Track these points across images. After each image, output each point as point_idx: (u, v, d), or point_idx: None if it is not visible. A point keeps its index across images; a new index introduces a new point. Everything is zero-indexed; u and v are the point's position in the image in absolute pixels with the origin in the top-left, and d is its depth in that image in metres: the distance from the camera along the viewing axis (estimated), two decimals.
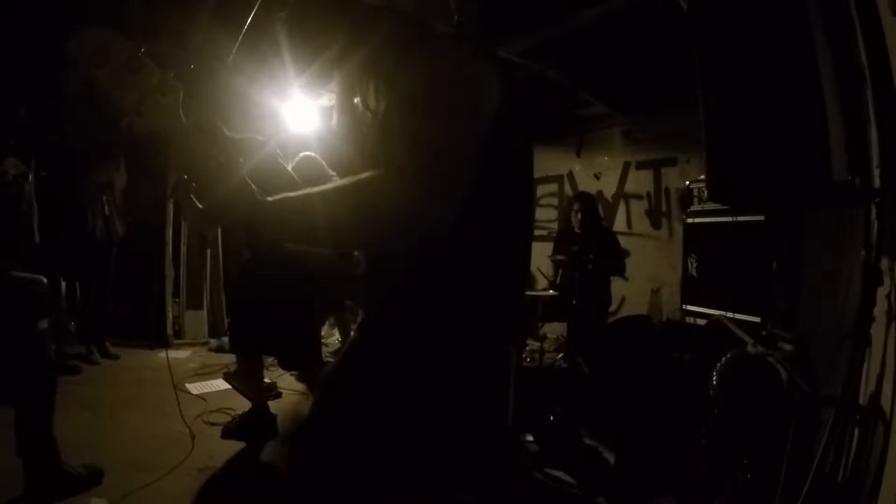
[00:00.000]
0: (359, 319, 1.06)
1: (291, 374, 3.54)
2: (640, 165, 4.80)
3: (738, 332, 1.87)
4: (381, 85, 0.96)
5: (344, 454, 0.94)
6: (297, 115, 4.00)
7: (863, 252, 1.30)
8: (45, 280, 2.03)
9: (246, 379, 2.64)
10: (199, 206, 2.47)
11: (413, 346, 0.92)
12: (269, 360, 3.06)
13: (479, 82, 0.87)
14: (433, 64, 0.86)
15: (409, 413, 0.92)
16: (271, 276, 2.30)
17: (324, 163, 2.55)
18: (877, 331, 1.27)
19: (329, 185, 0.90)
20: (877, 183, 1.26)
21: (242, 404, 2.75)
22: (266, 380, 2.89)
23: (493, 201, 0.91)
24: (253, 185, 0.91)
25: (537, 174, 5.83)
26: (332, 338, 4.58)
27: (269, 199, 0.90)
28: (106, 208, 3.66)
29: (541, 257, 3.89)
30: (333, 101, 1.05)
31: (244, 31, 2.96)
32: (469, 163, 0.83)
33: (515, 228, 1.03)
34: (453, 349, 0.93)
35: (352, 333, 1.05)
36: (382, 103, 0.95)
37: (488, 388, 1.06)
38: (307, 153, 2.61)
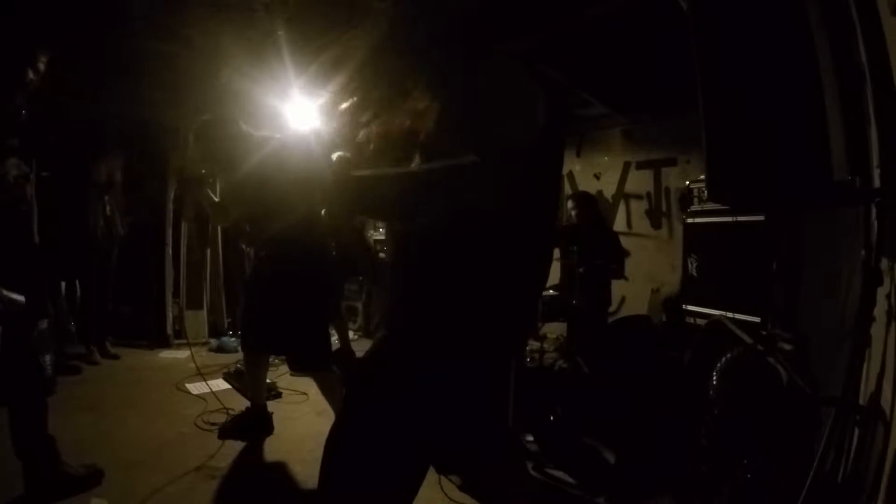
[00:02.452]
0: (387, 311, 1.08)
1: (291, 375, 3.54)
2: (640, 165, 4.79)
3: (738, 332, 1.86)
4: (432, 84, 1.02)
5: (370, 453, 0.95)
6: (301, 113, 4.02)
7: (863, 252, 1.29)
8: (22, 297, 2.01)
9: (249, 377, 2.64)
10: (216, 199, 2.49)
11: (440, 342, 0.94)
12: (271, 359, 3.05)
13: (534, 95, 0.96)
14: (497, 77, 0.95)
15: (426, 410, 0.94)
16: (285, 275, 2.31)
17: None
18: (877, 331, 1.27)
19: (419, 168, 0.98)
20: (877, 183, 1.26)
21: (242, 404, 2.75)
22: (266, 380, 2.89)
23: (531, 206, 0.95)
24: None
25: None
26: (332, 338, 4.58)
27: (358, 173, 0.96)
28: (108, 208, 3.66)
29: None
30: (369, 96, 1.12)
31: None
32: (527, 167, 0.91)
33: (545, 233, 1.06)
34: (475, 347, 0.95)
35: (348, 333, 1.05)
36: (436, 102, 1.00)
37: (495, 387, 1.07)
38: (342, 154, 2.61)
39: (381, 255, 4.69)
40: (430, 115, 0.98)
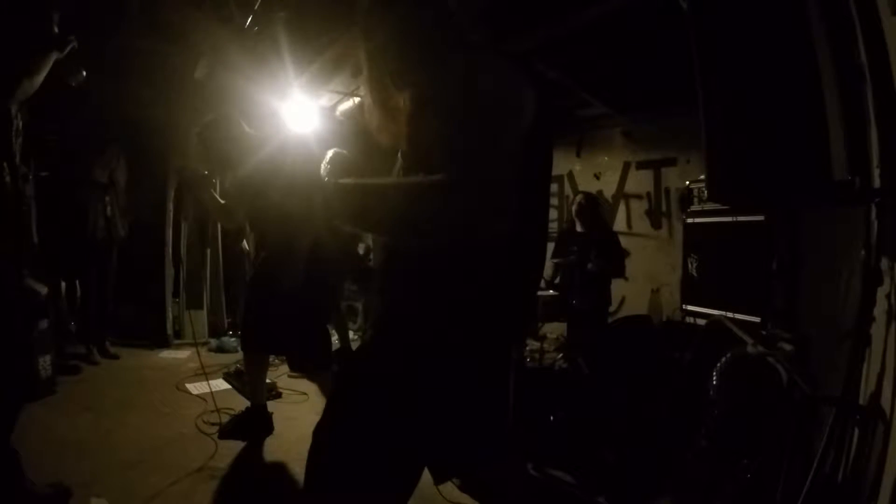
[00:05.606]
0: (375, 315, 1.06)
1: (291, 375, 3.54)
2: (640, 165, 4.80)
3: (738, 332, 1.86)
4: (408, 83, 0.97)
5: (356, 452, 0.94)
6: (298, 114, 4.03)
7: (863, 252, 1.29)
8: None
9: (249, 377, 2.64)
10: (221, 201, 2.49)
11: (431, 344, 0.93)
12: (271, 359, 3.05)
13: (521, 97, 0.89)
14: (479, 79, 0.87)
15: (419, 411, 0.93)
16: (286, 276, 2.31)
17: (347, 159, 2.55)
18: (877, 331, 1.27)
19: (404, 181, 0.93)
20: (877, 183, 1.26)
21: (242, 404, 2.75)
22: (266, 380, 2.89)
23: (520, 206, 0.92)
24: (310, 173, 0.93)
25: None
26: (332, 338, 4.58)
27: (342, 181, 0.93)
28: (108, 209, 3.66)
29: None
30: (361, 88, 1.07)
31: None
32: (516, 175, 0.86)
33: (535, 232, 1.04)
34: (468, 348, 0.94)
35: (348, 333, 1.05)
36: (411, 103, 0.96)
37: (491, 387, 1.07)
38: (338, 150, 2.62)
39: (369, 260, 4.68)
40: (412, 116, 0.94)
